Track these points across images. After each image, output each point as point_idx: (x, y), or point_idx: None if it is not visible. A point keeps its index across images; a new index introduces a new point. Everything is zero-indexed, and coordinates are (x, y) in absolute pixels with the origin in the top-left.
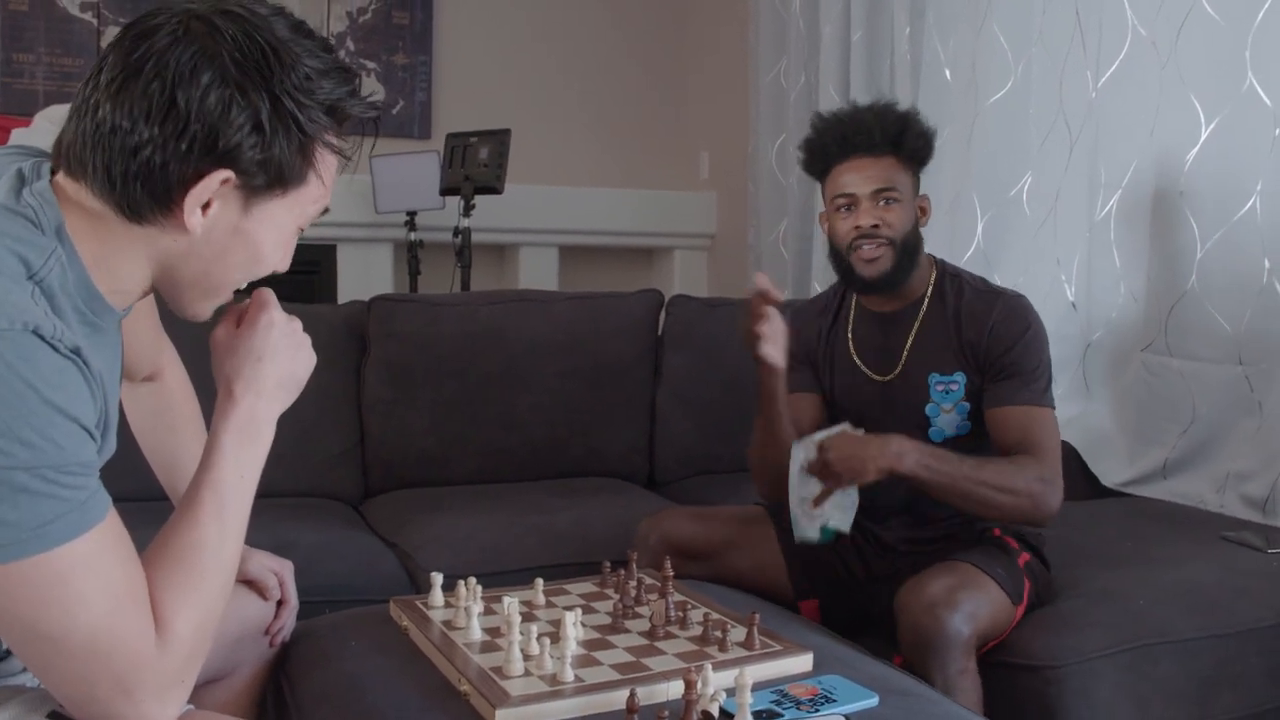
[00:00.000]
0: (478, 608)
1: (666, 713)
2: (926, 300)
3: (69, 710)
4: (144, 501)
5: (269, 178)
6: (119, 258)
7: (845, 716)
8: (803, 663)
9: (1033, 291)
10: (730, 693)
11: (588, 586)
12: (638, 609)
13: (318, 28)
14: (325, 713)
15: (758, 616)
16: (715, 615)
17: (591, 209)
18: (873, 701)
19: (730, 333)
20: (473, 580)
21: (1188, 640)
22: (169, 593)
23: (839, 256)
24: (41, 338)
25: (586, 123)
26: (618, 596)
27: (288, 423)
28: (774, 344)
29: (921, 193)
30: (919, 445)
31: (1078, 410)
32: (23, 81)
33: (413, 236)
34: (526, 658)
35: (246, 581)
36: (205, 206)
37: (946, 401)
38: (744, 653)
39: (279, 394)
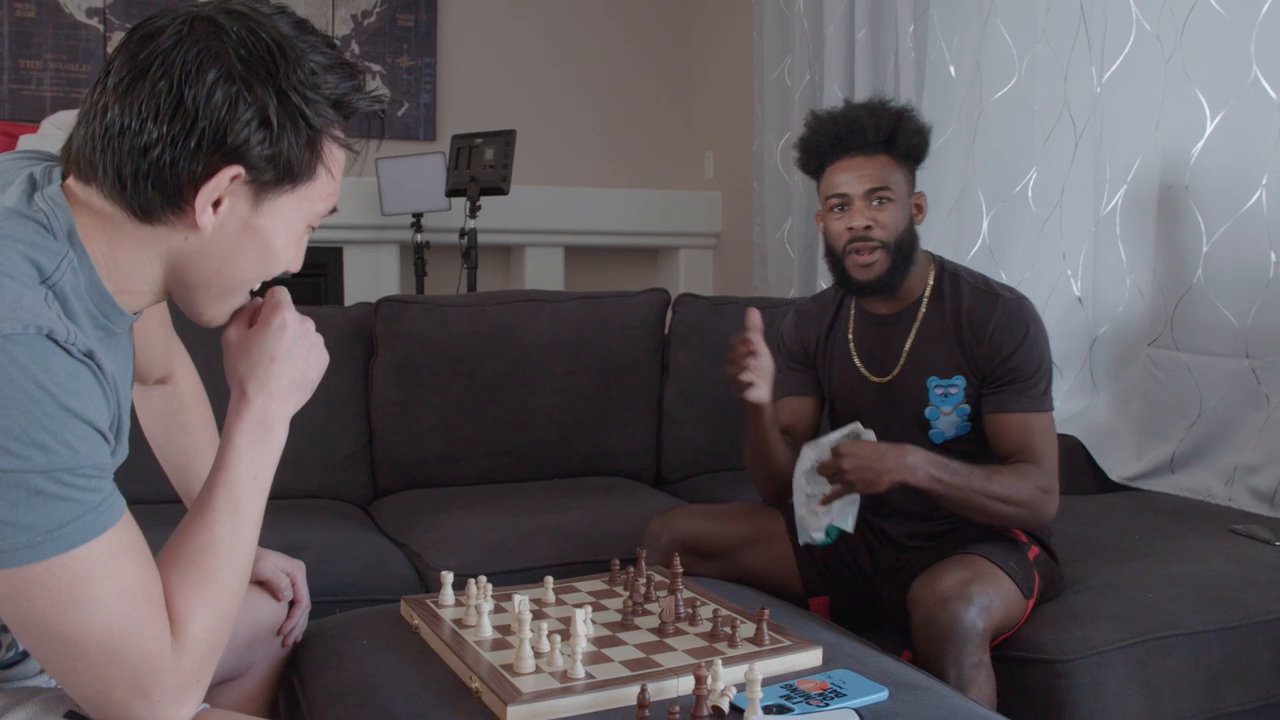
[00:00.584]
0: (488, 606)
1: (678, 708)
2: (925, 302)
3: (86, 711)
4: (156, 504)
5: (278, 173)
6: (130, 260)
7: (855, 711)
8: (812, 658)
9: (1039, 286)
10: (740, 688)
11: (597, 584)
12: (647, 606)
13: (322, 30)
14: (338, 711)
15: (767, 612)
16: (725, 611)
17: (597, 209)
18: (882, 696)
19: (737, 331)
20: (483, 579)
21: (1197, 633)
22: (184, 593)
23: (834, 258)
24: (55, 341)
25: (591, 123)
26: (627, 594)
27: (297, 425)
28: (760, 385)
29: (918, 190)
30: (931, 458)
31: (1084, 404)
32: (30, 88)
33: (419, 238)
34: (537, 655)
35: (259, 582)
36: (216, 204)
37: (946, 405)
38: (753, 648)
39: (292, 394)
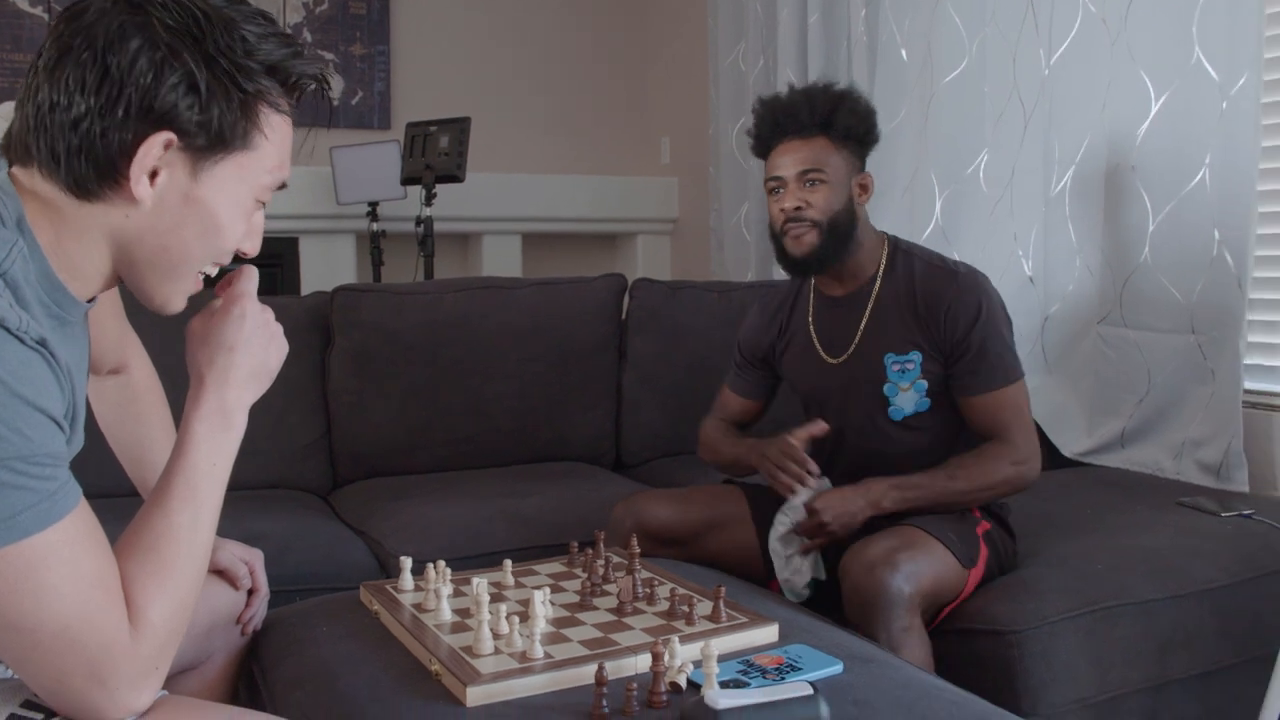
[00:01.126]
0: (447, 590)
1: (635, 685)
2: (879, 280)
3: (43, 700)
4: (112, 497)
5: (210, 138)
6: (76, 242)
7: (810, 684)
8: (769, 634)
9: (990, 267)
10: (697, 664)
11: (556, 566)
12: (606, 587)
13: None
14: (299, 698)
15: (723, 590)
16: (682, 590)
17: (554, 196)
18: (837, 669)
19: (694, 316)
20: (442, 563)
21: (1145, 602)
22: (142, 581)
23: (774, 237)
24: (7, 330)
25: (547, 110)
26: (586, 575)
27: (255, 415)
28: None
29: (865, 171)
30: (891, 482)
31: (1037, 383)
32: None
33: (375, 227)
34: (496, 636)
35: (217, 571)
36: (153, 177)
37: (904, 380)
38: (710, 625)
39: (251, 383)
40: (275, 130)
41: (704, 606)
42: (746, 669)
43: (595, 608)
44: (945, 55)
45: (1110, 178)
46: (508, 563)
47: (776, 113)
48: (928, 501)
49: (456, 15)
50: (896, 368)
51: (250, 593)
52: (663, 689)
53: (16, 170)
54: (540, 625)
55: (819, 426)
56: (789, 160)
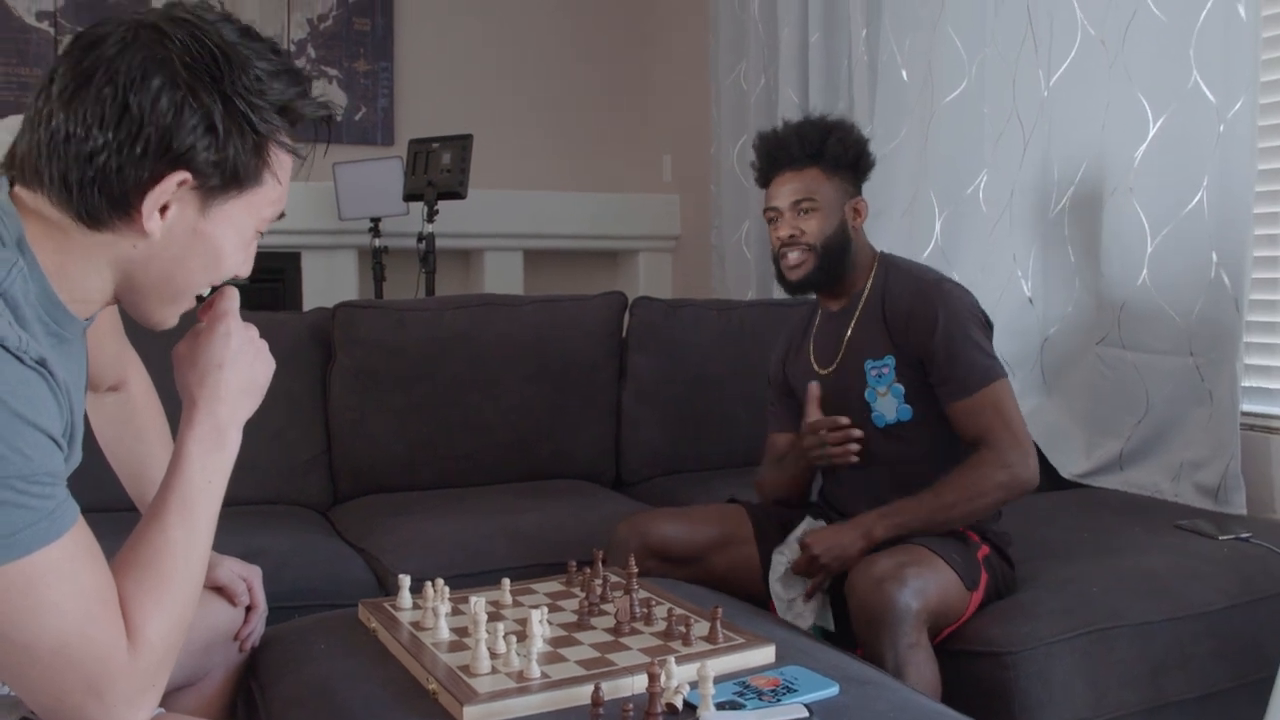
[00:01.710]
0: (445, 608)
1: (631, 706)
2: (866, 294)
3: (41, 716)
4: (111, 512)
5: (224, 178)
6: (80, 266)
7: (805, 705)
8: (765, 655)
9: (990, 288)
10: (694, 685)
11: (554, 585)
12: (603, 606)
13: (278, 35)
14: (297, 715)
15: (720, 611)
16: (679, 611)
17: (555, 213)
18: (833, 691)
19: (695, 334)
20: (440, 582)
21: (1141, 624)
22: (138, 598)
23: (774, 262)
24: (7, 349)
25: (549, 127)
26: (583, 594)
27: (255, 431)
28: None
29: (859, 196)
30: (880, 511)
31: (1035, 403)
32: None
33: (377, 243)
34: (493, 656)
35: (215, 588)
36: (163, 210)
37: (880, 385)
38: (707, 646)
39: (243, 400)
40: (283, 168)
41: (701, 627)
42: (742, 690)
43: (593, 627)
44: (945, 76)
45: (1108, 199)
46: (506, 581)
47: (771, 147)
48: (920, 523)
49: (460, 32)
50: (874, 372)
51: (248, 609)
52: (659, 710)
53: (20, 190)
54: (537, 645)
55: (813, 389)
56: (784, 191)
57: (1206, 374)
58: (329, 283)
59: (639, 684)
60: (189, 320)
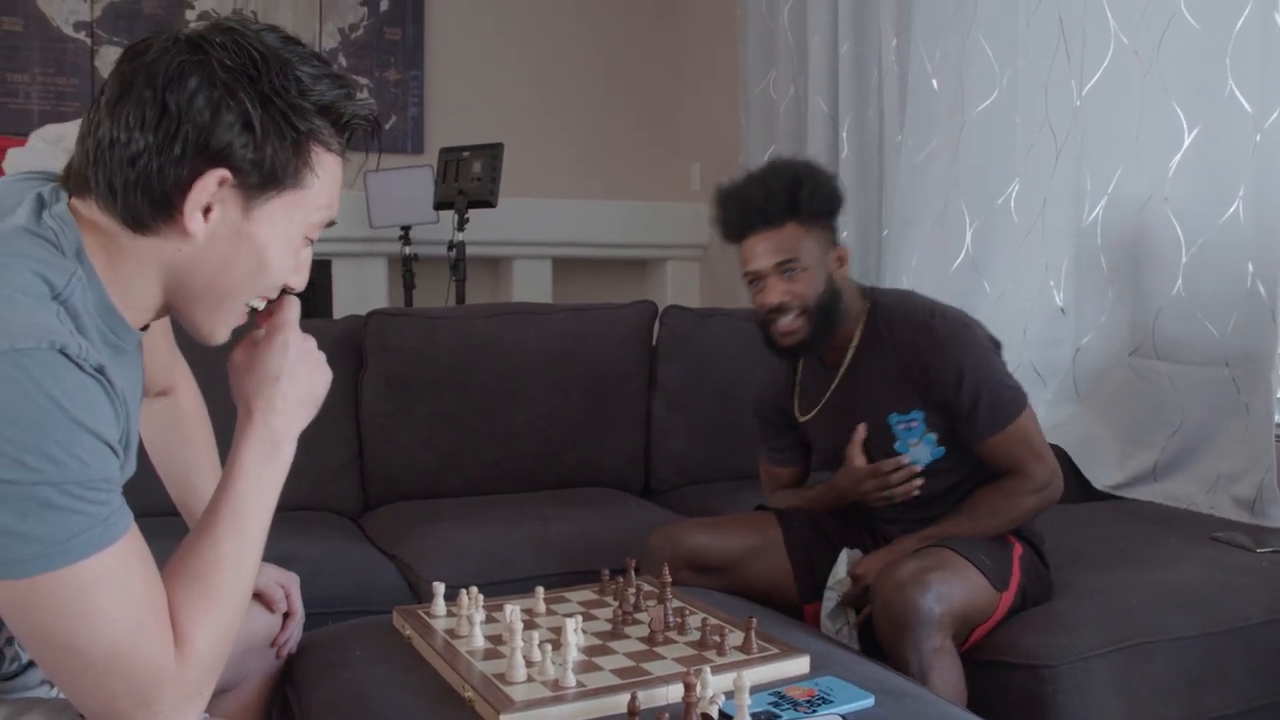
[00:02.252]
0: (480, 616)
1: (667, 715)
2: (854, 348)
3: None
4: (157, 516)
5: (264, 177)
6: (130, 273)
7: (842, 717)
8: (800, 665)
9: (1021, 298)
10: (729, 695)
11: (587, 594)
12: (637, 615)
13: (310, 44)
14: None
15: (754, 620)
16: (713, 620)
17: (584, 221)
18: (869, 702)
19: (724, 343)
20: (474, 589)
21: (1179, 639)
22: (188, 608)
23: (761, 325)
24: (67, 356)
25: (579, 136)
26: (617, 603)
27: None
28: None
29: (838, 244)
30: (919, 535)
31: (1068, 414)
32: (17, 101)
33: (407, 250)
34: (529, 664)
35: (253, 594)
36: (206, 212)
37: (912, 436)
38: (742, 656)
39: (299, 411)
40: (327, 170)
41: (735, 637)
42: (778, 701)
43: (627, 636)
44: (977, 85)
45: (1143, 209)
46: (539, 590)
47: (741, 206)
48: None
49: (490, 41)
50: (902, 426)
51: (286, 616)
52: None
53: (76, 202)
54: (573, 653)
55: (860, 432)
56: (762, 251)
57: (1242, 385)
58: (359, 291)
59: (674, 693)
60: (242, 329)
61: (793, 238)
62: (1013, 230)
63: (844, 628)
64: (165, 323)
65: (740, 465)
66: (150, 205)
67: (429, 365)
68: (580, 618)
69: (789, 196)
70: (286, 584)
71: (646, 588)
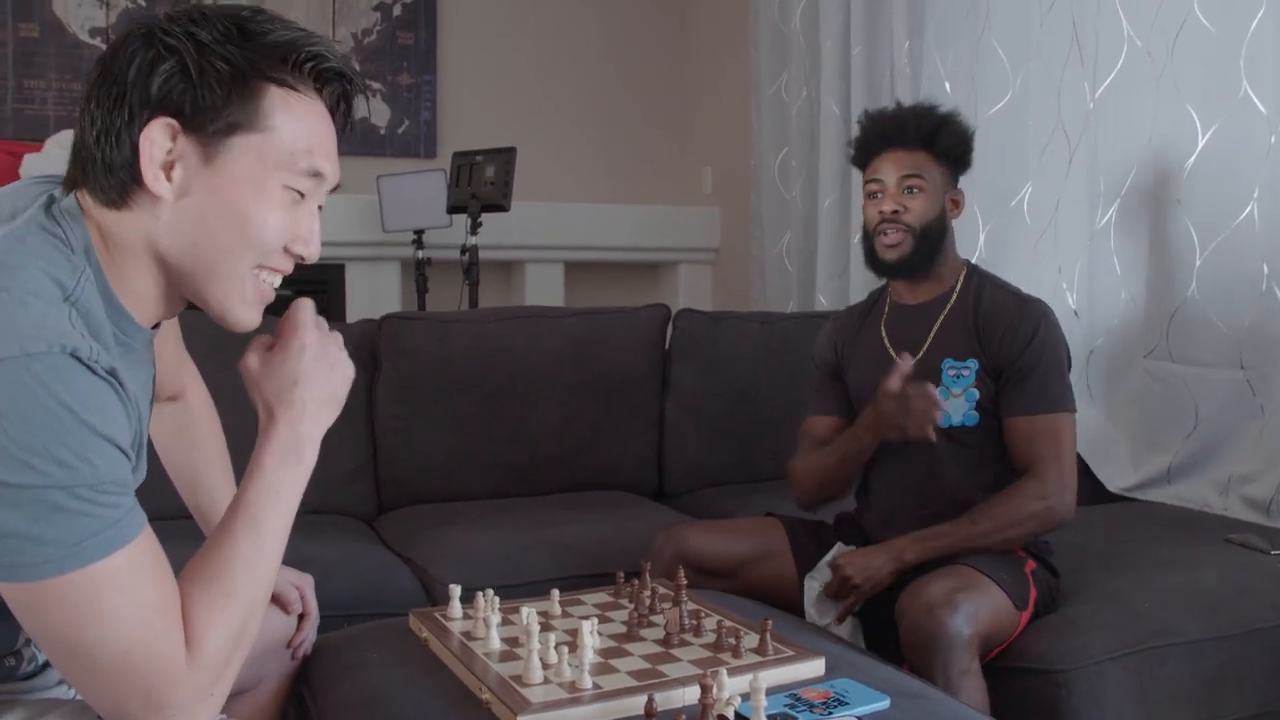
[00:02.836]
0: (496, 618)
1: (684, 717)
2: (955, 294)
3: None
4: (171, 520)
5: (211, 118)
6: (125, 259)
7: (857, 718)
8: (815, 667)
9: None
10: (745, 697)
11: (603, 596)
12: (652, 618)
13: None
14: None
15: (770, 623)
16: (729, 623)
17: (596, 225)
18: (884, 704)
19: (737, 346)
20: (490, 592)
21: (1193, 642)
22: (200, 609)
23: (867, 238)
24: (79, 360)
25: (591, 139)
26: (632, 606)
27: None
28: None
29: (959, 190)
30: (911, 536)
31: (1081, 416)
32: (34, 107)
33: (420, 255)
34: (545, 666)
35: None
36: (170, 171)
37: (956, 386)
38: (757, 658)
39: (321, 412)
40: (292, 111)
41: (751, 639)
42: (794, 703)
43: (642, 638)
44: (989, 88)
45: (1156, 211)
46: (555, 592)
47: (884, 124)
48: (950, 549)
49: (502, 46)
50: (952, 372)
51: (301, 617)
52: None
53: (77, 199)
54: (589, 655)
55: (907, 360)
56: (891, 166)
57: (1258, 387)
58: (372, 294)
59: (690, 695)
60: (249, 335)
61: (923, 162)
62: (1026, 232)
63: (830, 624)
64: (174, 326)
65: (754, 468)
66: (114, 175)
67: (443, 369)
68: (596, 620)
69: (931, 128)
70: (301, 585)
71: (662, 590)
